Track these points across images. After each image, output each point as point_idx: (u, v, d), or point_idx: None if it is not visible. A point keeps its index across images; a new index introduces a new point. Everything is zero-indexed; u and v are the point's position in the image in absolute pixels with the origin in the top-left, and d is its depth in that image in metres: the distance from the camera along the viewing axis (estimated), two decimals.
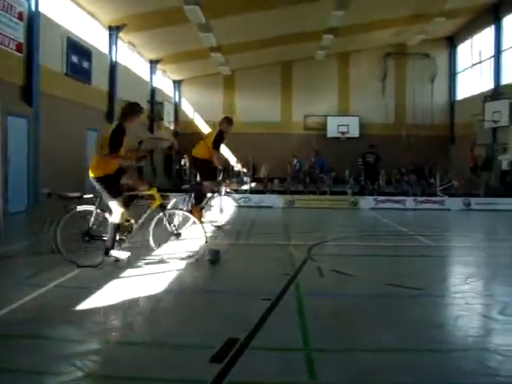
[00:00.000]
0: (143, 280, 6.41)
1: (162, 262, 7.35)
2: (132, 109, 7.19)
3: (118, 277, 6.51)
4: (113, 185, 6.93)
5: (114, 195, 6.88)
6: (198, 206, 10.39)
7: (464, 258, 9.32)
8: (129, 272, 6.81)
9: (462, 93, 30.89)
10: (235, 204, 17.14)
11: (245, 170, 25.32)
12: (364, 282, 6.68)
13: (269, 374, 3.66)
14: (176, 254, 7.76)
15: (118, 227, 7.01)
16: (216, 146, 10.44)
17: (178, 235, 7.36)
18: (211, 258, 7.43)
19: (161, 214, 7.37)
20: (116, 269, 6.89)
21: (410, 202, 18.78)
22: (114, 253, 7.02)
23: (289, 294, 5.79)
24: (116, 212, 6.92)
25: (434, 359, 4.06)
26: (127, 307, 5.32)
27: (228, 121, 10.73)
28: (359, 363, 3.91)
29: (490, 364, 3.94)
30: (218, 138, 10.47)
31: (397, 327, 4.83)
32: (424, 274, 7.33)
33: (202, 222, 8.67)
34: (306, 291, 6.01)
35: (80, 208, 7.19)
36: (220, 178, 12.45)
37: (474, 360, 4.04)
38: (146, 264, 7.26)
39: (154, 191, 7.24)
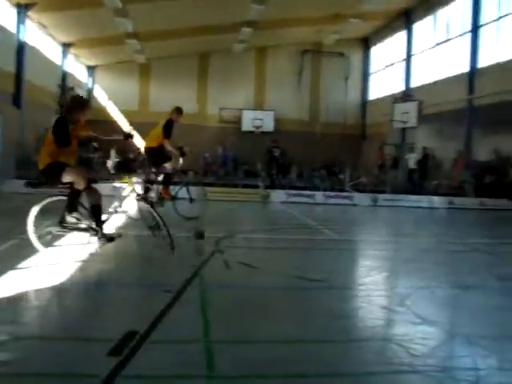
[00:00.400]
0: (45, 271, 6.08)
1: (70, 252, 7.02)
2: (79, 103, 6.93)
3: (17, 267, 6.15)
4: (53, 171, 6.62)
5: (61, 175, 6.58)
6: (167, 187, 11.07)
7: (368, 251, 9.63)
8: (30, 262, 6.44)
9: (374, 93, 31.96)
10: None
11: None
12: (270, 274, 6.66)
13: (167, 366, 3.56)
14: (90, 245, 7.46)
15: (99, 207, 6.76)
16: (167, 135, 10.84)
17: (155, 227, 6.88)
18: (197, 237, 8.04)
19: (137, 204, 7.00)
20: (19, 257, 6.53)
21: (319, 196, 19.21)
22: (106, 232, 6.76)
23: (193, 287, 5.68)
24: (76, 179, 6.60)
25: (334, 350, 4.08)
26: (23, 300, 5.02)
27: (178, 111, 11.13)
28: (259, 355, 3.86)
29: (386, 353, 4.02)
30: (168, 127, 10.87)
31: (299, 318, 4.84)
32: (329, 267, 7.44)
33: (173, 199, 10.94)
34: (210, 283, 5.93)
35: (54, 198, 6.82)
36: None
37: (372, 350, 4.11)
38: (53, 254, 6.93)
39: (128, 180, 6.93)
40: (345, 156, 25.80)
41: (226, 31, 25.64)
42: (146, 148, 11.35)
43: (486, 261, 8.77)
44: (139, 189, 9.39)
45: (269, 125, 30.45)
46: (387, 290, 6.36)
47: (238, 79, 30.79)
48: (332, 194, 19.53)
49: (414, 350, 4.06)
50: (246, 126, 30.60)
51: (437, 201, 19.93)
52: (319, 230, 11.65)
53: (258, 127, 30.31)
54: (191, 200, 11.61)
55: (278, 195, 18.98)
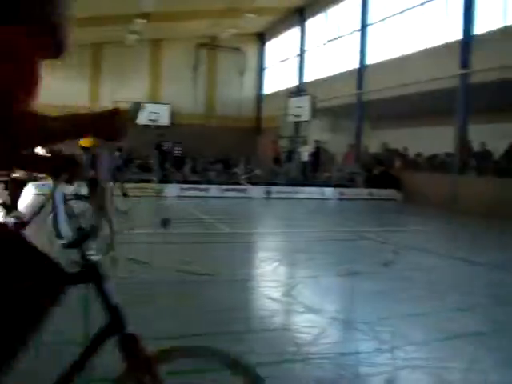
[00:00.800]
0: None
1: None
2: None
3: None
4: None
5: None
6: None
7: (260, 243, 9.73)
8: None
9: (269, 87, 32.40)
10: (37, 192, 15.73)
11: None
12: (158, 269, 6.52)
13: (41, 370, 3.33)
14: None
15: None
16: None
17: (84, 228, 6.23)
18: (164, 224, 7.42)
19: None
20: None
21: (214, 190, 19.14)
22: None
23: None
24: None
25: (220, 343, 4.00)
26: None
27: None
28: None
29: (271, 343, 4.05)
30: None
31: (186, 313, 4.77)
32: (218, 260, 7.43)
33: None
34: None
35: None
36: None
37: (258, 341, 4.13)
38: None
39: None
40: (240, 149, 25.96)
41: (118, 22, 24.86)
42: (82, 147, 11.45)
43: (372, 248, 9.13)
44: (66, 187, 8.86)
45: (164, 118, 29.98)
46: (275, 280, 6.39)
47: (133, 72, 30.06)
48: (227, 187, 19.54)
49: (299, 338, 4.12)
50: (142, 119, 29.87)
51: (328, 192, 20.50)
52: (212, 224, 11.59)
53: (153, 120, 29.70)
54: (125, 195, 12.13)
55: (171, 189, 18.67)
